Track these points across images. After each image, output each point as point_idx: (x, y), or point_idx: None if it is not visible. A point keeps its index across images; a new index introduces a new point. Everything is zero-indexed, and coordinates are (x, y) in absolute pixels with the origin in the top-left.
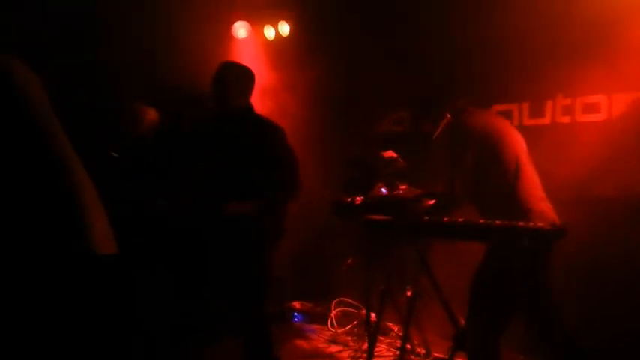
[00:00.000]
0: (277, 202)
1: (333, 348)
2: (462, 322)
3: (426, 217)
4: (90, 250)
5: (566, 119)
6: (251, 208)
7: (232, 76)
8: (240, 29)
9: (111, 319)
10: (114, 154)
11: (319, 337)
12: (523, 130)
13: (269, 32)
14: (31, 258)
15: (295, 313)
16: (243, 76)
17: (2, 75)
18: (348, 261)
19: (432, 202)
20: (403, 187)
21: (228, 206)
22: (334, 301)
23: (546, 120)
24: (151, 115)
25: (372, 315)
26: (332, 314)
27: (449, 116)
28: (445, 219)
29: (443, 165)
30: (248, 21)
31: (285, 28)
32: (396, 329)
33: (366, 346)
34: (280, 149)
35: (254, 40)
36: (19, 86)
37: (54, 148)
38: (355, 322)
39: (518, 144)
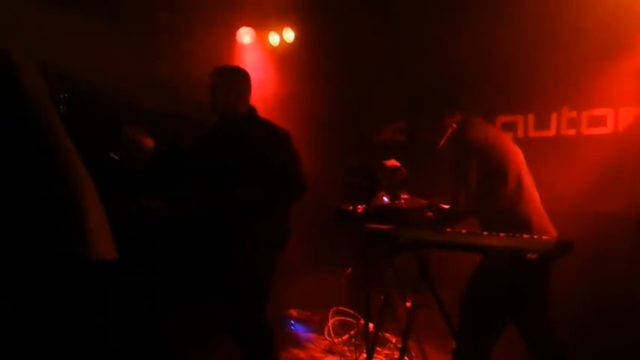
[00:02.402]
0: (280, 200)
1: (330, 358)
2: None
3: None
4: (88, 256)
5: (571, 132)
6: (254, 191)
7: (227, 82)
8: (245, 35)
9: (104, 323)
10: (113, 156)
11: (316, 347)
12: (528, 142)
13: (274, 38)
14: (26, 261)
15: (292, 321)
16: (238, 80)
17: (4, 67)
18: (348, 270)
19: (431, 214)
20: (405, 196)
21: (233, 188)
22: (331, 310)
23: (551, 132)
24: (147, 143)
25: (370, 325)
26: (329, 323)
27: (455, 126)
28: (448, 230)
29: (449, 177)
30: (253, 27)
31: (289, 35)
32: (394, 340)
33: (363, 356)
34: (286, 153)
35: (259, 46)
36: (20, 78)
37: (55, 148)
38: (352, 332)
39: (519, 158)
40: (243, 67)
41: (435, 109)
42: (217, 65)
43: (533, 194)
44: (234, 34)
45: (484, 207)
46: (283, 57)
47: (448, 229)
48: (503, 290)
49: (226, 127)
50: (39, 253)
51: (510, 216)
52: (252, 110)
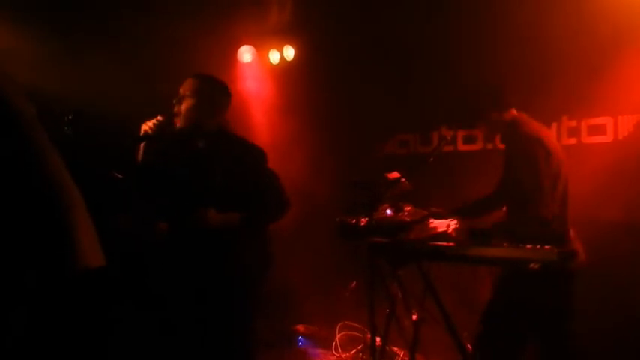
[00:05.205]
0: (261, 224)
1: None
2: (469, 347)
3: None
4: (76, 265)
5: (571, 141)
6: (234, 220)
7: (206, 91)
8: (246, 53)
9: (97, 333)
10: (117, 175)
11: None
12: None
13: (274, 56)
14: (14, 274)
15: (300, 337)
16: (218, 93)
17: None
18: (353, 284)
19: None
20: (408, 208)
21: (204, 214)
22: (339, 325)
23: None
24: None
25: (377, 339)
26: (336, 338)
27: (508, 115)
28: (452, 243)
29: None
30: (253, 45)
31: (290, 53)
32: (401, 354)
33: None
34: (259, 171)
35: (259, 64)
36: (10, 97)
37: (40, 161)
38: (360, 347)
39: (566, 166)
40: (244, 85)
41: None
42: (200, 73)
43: (568, 206)
44: (235, 53)
45: (524, 209)
46: (284, 75)
47: (452, 243)
48: (522, 305)
49: (197, 142)
50: (25, 263)
51: (547, 226)
52: (222, 128)
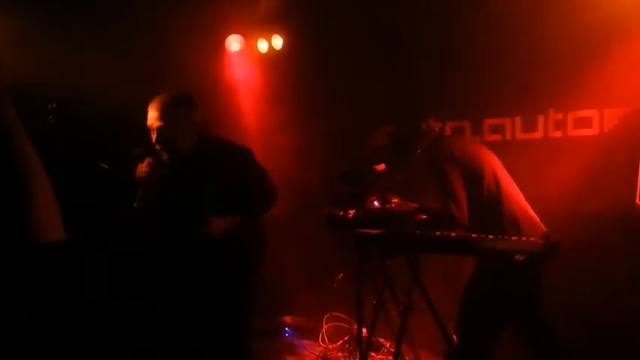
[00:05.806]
0: (254, 217)
1: None
2: (455, 338)
3: (418, 231)
4: (30, 237)
5: (558, 134)
6: (235, 223)
7: (171, 115)
8: (234, 42)
9: (59, 308)
10: (104, 166)
11: (310, 354)
12: (515, 144)
13: (262, 45)
14: None
15: (286, 329)
16: (182, 108)
17: None
18: (340, 275)
19: (424, 216)
20: (396, 200)
21: (209, 224)
22: (325, 316)
23: (538, 134)
24: None
25: (364, 330)
26: (323, 329)
27: (430, 141)
28: (437, 233)
29: (435, 187)
30: (241, 34)
31: (278, 42)
32: (387, 345)
33: None
34: (247, 170)
35: (247, 53)
36: None
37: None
38: (346, 338)
39: (492, 160)
40: (233, 74)
41: (414, 121)
42: (155, 99)
43: (513, 193)
44: (223, 42)
45: (470, 213)
46: (272, 64)
47: (437, 233)
48: (498, 292)
49: (183, 164)
50: None
51: (496, 216)
52: (203, 136)
